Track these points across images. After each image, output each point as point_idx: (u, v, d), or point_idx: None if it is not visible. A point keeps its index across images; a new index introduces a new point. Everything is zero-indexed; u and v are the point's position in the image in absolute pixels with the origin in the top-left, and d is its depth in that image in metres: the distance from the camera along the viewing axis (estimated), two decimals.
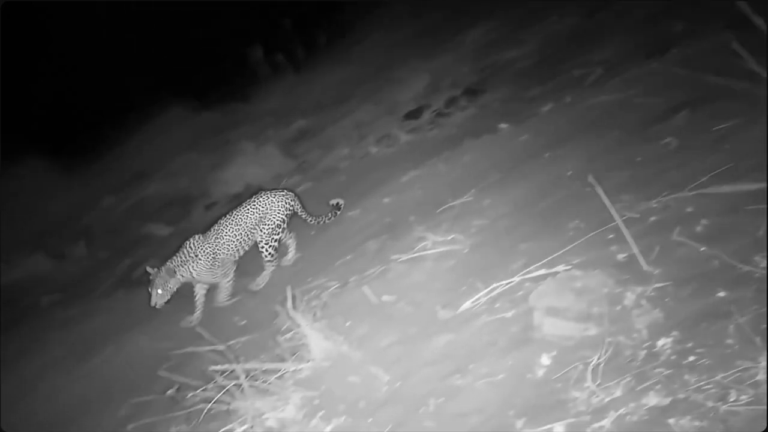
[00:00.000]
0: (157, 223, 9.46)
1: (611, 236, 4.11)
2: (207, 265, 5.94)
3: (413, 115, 9.48)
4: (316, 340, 4.27)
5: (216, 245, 6.00)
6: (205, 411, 4.11)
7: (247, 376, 4.04)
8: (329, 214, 6.66)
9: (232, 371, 4.10)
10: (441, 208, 5.84)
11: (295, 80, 12.99)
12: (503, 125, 7.24)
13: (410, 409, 3.61)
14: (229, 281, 6.15)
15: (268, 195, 6.27)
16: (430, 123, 8.81)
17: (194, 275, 5.92)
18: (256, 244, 6.25)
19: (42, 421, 5.39)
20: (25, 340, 6.76)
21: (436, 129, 8.41)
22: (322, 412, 3.82)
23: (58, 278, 8.81)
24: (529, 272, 4.12)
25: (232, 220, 6.13)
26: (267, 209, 6.19)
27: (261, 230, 6.18)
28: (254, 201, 6.23)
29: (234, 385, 4.03)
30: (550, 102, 7.31)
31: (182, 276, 5.87)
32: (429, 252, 5.15)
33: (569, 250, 4.16)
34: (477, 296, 4.20)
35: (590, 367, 3.20)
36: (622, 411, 2.92)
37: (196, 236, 6.07)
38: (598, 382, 3.11)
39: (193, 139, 12.03)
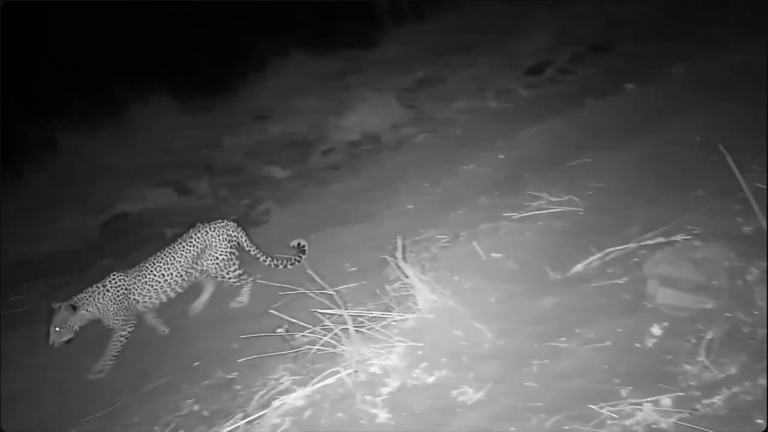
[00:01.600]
0: (274, 166, 9.59)
1: (738, 207, 3.89)
2: (113, 300, 5.37)
3: (535, 70, 9.25)
4: (423, 291, 4.24)
5: (133, 283, 5.47)
6: (312, 352, 4.14)
7: (353, 322, 4.05)
8: (292, 258, 5.95)
9: (339, 316, 4.12)
10: (557, 168, 5.68)
11: (418, 29, 12.83)
12: (629, 85, 6.95)
13: (512, 368, 3.57)
14: (122, 336, 5.44)
15: (206, 229, 5.73)
16: (551, 79, 8.57)
17: (99, 310, 5.38)
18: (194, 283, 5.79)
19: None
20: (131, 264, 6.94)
21: (558, 86, 8.16)
22: (424, 364, 3.81)
23: (181, 212, 9.04)
24: (645, 239, 3.97)
25: (161, 259, 5.60)
26: (206, 244, 5.69)
27: (209, 268, 5.71)
28: (189, 237, 5.70)
29: (341, 329, 4.05)
30: (682, 62, 6.93)
31: (87, 311, 5.34)
32: (542, 212, 5.03)
33: (690, 218, 3.97)
34: (589, 260, 4.09)
35: (704, 342, 3.06)
36: (735, 389, 2.78)
37: (117, 273, 5.51)
38: (711, 358, 2.97)
39: (313, 84, 12.10)
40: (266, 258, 5.90)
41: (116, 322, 5.38)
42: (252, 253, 5.90)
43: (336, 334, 4.06)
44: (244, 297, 5.81)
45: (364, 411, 3.59)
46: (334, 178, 8.39)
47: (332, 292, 4.29)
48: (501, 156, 6.78)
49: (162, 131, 11.70)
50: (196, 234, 5.69)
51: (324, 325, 4.14)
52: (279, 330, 4.57)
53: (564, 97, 7.65)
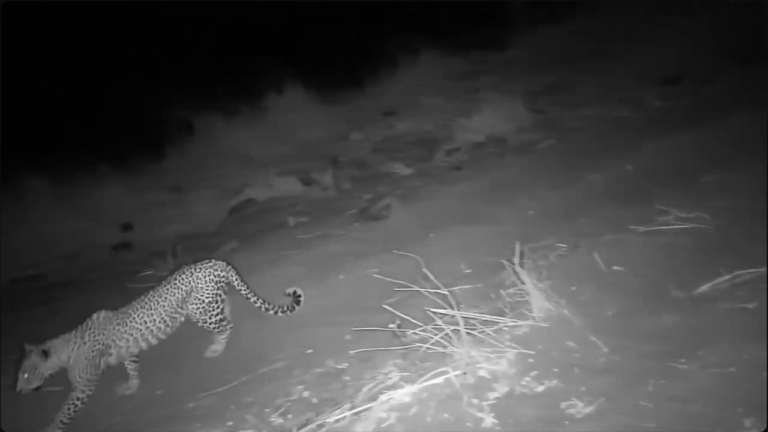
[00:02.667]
0: (398, 162, 9.63)
1: None
2: (86, 355, 4.92)
3: (670, 80, 8.88)
4: (539, 299, 4.16)
5: (112, 335, 5.04)
6: (423, 350, 4.12)
7: (465, 324, 4.00)
8: (285, 306, 5.60)
9: (451, 317, 4.09)
10: (688, 182, 5.44)
11: (551, 32, 12.61)
12: None
13: (626, 385, 3.44)
14: (79, 399, 4.87)
15: (191, 270, 5.34)
16: (687, 91, 8.19)
17: (70, 360, 4.91)
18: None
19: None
20: (270, 254, 7.14)
21: (694, 98, 7.80)
22: (535, 372, 3.73)
23: (305, 202, 9.21)
24: None
25: (144, 305, 5.18)
26: (191, 287, 5.29)
27: (192, 312, 5.31)
28: (174, 279, 5.29)
29: (452, 330, 4.01)
30: None
31: (59, 359, 4.88)
32: (669, 227, 4.83)
33: None
34: (717, 280, 3.88)
35: None
36: None
37: (95, 327, 5.04)
38: None
39: (442, 84, 12.09)
40: (258, 300, 5.54)
41: (80, 379, 4.88)
42: (243, 293, 5.53)
43: (447, 335, 4.02)
44: (218, 345, 5.47)
45: (470, 414, 3.54)
46: (456, 178, 8.34)
47: (446, 292, 4.25)
48: (629, 167, 6.57)
49: (293, 122, 11.96)
50: (181, 276, 5.31)
51: (436, 325, 4.10)
52: (391, 325, 4.57)
53: (700, 110, 7.33)
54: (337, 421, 3.76)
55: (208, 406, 4.58)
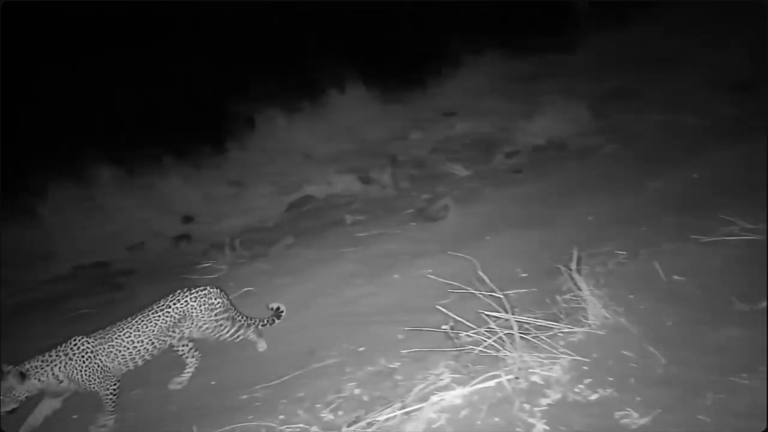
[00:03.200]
0: (457, 163, 9.59)
1: None
2: (80, 367, 4.84)
3: (740, 87, 8.62)
4: (595, 306, 4.10)
5: (100, 347, 4.93)
6: (475, 352, 4.08)
7: (519, 328, 3.96)
8: (265, 320, 5.60)
9: (505, 320, 4.05)
10: (755, 193, 5.29)
11: (617, 36, 12.39)
12: None
13: (684, 397, 3.36)
14: (108, 395, 4.89)
15: (186, 298, 5.22)
16: (757, 98, 7.95)
17: (61, 377, 4.81)
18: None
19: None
20: (327, 251, 7.17)
21: (764, 106, 7.57)
22: (589, 380, 3.66)
23: (362, 200, 9.23)
24: None
25: (132, 325, 5.06)
26: (184, 314, 5.19)
27: (195, 335, 5.26)
28: (167, 305, 5.18)
29: (506, 334, 3.97)
30: None
31: (39, 380, 4.76)
32: (733, 238, 4.69)
33: None
34: None
35: None
36: None
37: (79, 337, 4.96)
38: None
39: (504, 86, 12.00)
40: (243, 317, 5.49)
41: (93, 386, 4.88)
42: (232, 314, 5.45)
43: (500, 338, 3.98)
44: (260, 344, 5.50)
45: (521, 419, 3.50)
46: (515, 181, 8.28)
47: (500, 296, 4.21)
48: (695, 175, 6.43)
49: (354, 120, 12.01)
50: (174, 303, 5.20)
51: (489, 328, 4.07)
52: (444, 327, 4.55)
53: None
54: (387, 419, 3.75)
55: (261, 398, 4.61)
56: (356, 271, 6.40)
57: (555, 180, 7.74)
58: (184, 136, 10.87)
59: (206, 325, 5.24)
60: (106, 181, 10.34)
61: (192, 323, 5.22)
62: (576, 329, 4.09)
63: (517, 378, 3.78)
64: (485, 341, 4.04)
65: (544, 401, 3.61)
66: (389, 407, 3.86)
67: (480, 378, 3.80)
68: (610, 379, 3.64)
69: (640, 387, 3.55)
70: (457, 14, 14.01)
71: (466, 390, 3.77)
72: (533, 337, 4.02)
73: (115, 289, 7.87)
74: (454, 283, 4.84)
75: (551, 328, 4.15)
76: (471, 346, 4.14)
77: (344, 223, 8.18)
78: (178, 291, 5.29)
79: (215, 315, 5.28)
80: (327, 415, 4.14)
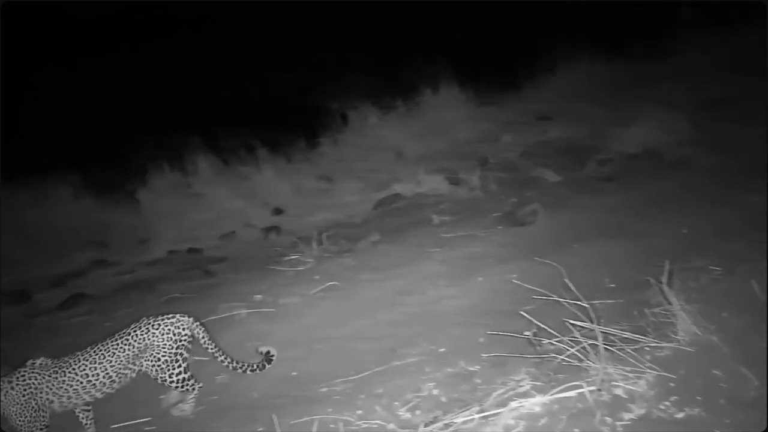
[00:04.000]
0: (547, 169, 9.48)
1: None
2: (16, 401, 4.49)
3: None
4: (685, 322, 3.98)
5: (47, 382, 4.56)
6: (557, 361, 4.03)
7: (604, 339, 3.88)
8: (254, 364, 5.11)
9: (590, 330, 3.97)
10: None
11: (720, 42, 11.98)
12: None
13: None
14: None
15: (148, 326, 4.84)
16: None
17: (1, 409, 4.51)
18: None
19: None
20: (412, 250, 7.18)
21: None
22: (675, 397, 3.55)
23: (450, 200, 9.23)
24: None
25: (89, 356, 4.69)
26: (146, 344, 4.80)
27: (147, 369, 4.82)
28: (128, 334, 4.80)
29: (590, 344, 3.90)
30: None
31: None
32: None
33: None
34: None
35: None
36: None
37: (28, 370, 4.61)
38: None
39: (601, 92, 11.79)
40: (226, 359, 5.07)
41: (20, 425, 4.53)
42: (211, 351, 5.06)
43: (584, 348, 3.90)
44: (187, 405, 4.98)
45: None
46: (606, 189, 8.14)
47: (586, 305, 4.13)
48: None
49: (446, 121, 12.00)
50: (136, 331, 4.82)
51: (573, 337, 4.00)
52: (527, 333, 4.50)
53: None
54: (464, 422, 3.73)
55: (340, 392, 4.65)
56: (440, 272, 6.39)
57: (648, 190, 7.58)
58: (278, 130, 11.07)
59: (165, 358, 4.83)
60: (203, 169, 10.61)
61: (153, 353, 4.83)
62: (664, 344, 3.97)
63: (599, 390, 3.70)
64: (568, 350, 3.97)
65: (627, 416, 3.52)
66: (467, 410, 3.83)
67: (561, 387, 3.73)
68: (698, 398, 3.53)
69: (729, 409, 3.42)
70: (555, 17, 13.86)
71: (546, 398, 3.71)
72: (618, 350, 3.92)
73: (206, 275, 8.09)
74: (539, 290, 4.77)
75: (638, 342, 4.05)
76: (553, 354, 4.09)
77: (431, 222, 8.20)
78: (143, 318, 4.93)
79: (176, 347, 4.87)
80: (404, 414, 4.16)
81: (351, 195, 10.18)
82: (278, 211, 10.08)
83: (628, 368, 3.80)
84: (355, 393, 4.57)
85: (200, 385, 4.97)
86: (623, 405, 3.60)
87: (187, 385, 4.92)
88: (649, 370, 3.75)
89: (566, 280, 4.38)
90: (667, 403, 3.54)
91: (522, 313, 4.48)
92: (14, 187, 10.42)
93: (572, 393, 3.69)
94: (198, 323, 5.00)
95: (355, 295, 6.12)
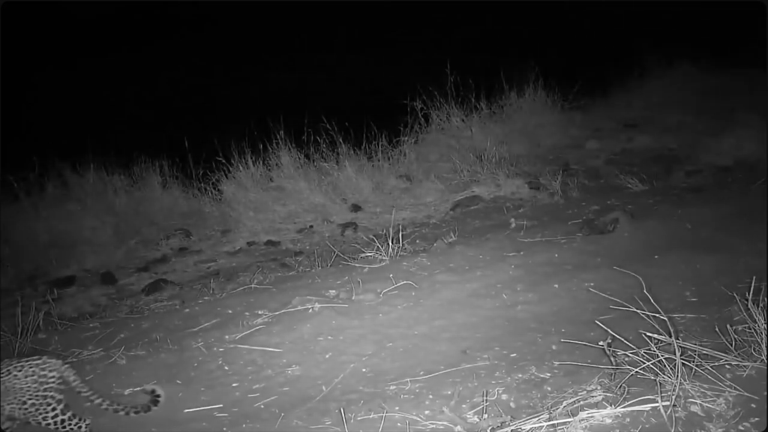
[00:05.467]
0: (632, 177, 9.33)
1: None
2: None
3: None
4: None
5: None
6: (632, 373, 3.96)
7: (682, 354, 3.80)
8: (139, 407, 4.70)
9: (668, 344, 3.90)
10: None
11: None
12: None
13: None
14: None
15: (8, 368, 4.44)
16: None
17: None
18: None
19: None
20: (489, 253, 7.14)
21: None
22: (756, 419, 3.45)
23: (530, 205, 9.20)
24: None
25: None
26: (9, 386, 4.39)
27: (15, 411, 4.40)
28: None
29: (666, 358, 3.82)
30: None
31: None
32: None
33: None
34: None
35: None
36: None
37: None
38: None
39: (695, 100, 11.51)
40: (104, 401, 4.65)
41: None
42: (84, 394, 4.64)
43: (660, 362, 3.83)
44: None
45: None
46: (694, 201, 7.96)
47: (665, 318, 4.04)
48: None
49: (530, 124, 11.94)
50: None
51: (649, 350, 3.93)
52: (601, 343, 4.43)
53: None
54: (532, 429, 3.73)
55: (409, 391, 4.67)
56: (517, 277, 6.37)
57: (738, 203, 7.38)
58: (361, 128, 11.15)
59: (31, 401, 4.44)
60: (286, 163, 10.77)
61: (16, 397, 4.43)
62: (746, 363, 3.87)
63: (674, 405, 3.63)
64: (644, 363, 3.91)
65: None
66: (536, 417, 3.83)
67: (634, 400, 3.69)
68: None
69: None
70: (649, 21, 13.60)
71: (617, 410, 3.67)
72: (697, 365, 3.84)
73: (283, 268, 8.21)
74: (617, 300, 4.70)
75: (718, 359, 3.96)
76: (628, 367, 4.02)
77: (509, 226, 8.16)
78: (5, 360, 4.56)
79: (43, 390, 4.50)
80: (472, 417, 4.16)
81: (429, 195, 10.21)
82: (356, 208, 10.15)
83: (706, 386, 3.73)
84: (424, 393, 4.58)
85: (87, 422, 4.62)
86: (699, 423, 3.52)
87: (69, 424, 4.57)
88: (729, 389, 3.66)
89: (646, 292, 4.32)
90: (747, 424, 3.44)
91: (598, 322, 4.41)
92: (104, 172, 10.82)
93: (645, 407, 3.63)
94: (68, 366, 4.64)
95: (430, 296, 6.12)
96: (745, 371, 3.83)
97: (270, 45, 16.59)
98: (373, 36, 15.78)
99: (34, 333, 6.62)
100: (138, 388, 5.16)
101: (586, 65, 12.22)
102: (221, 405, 4.92)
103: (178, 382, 5.26)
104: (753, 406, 3.54)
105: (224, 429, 4.53)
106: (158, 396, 4.77)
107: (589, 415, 3.68)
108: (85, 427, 4.59)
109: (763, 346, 3.90)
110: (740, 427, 3.43)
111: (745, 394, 3.61)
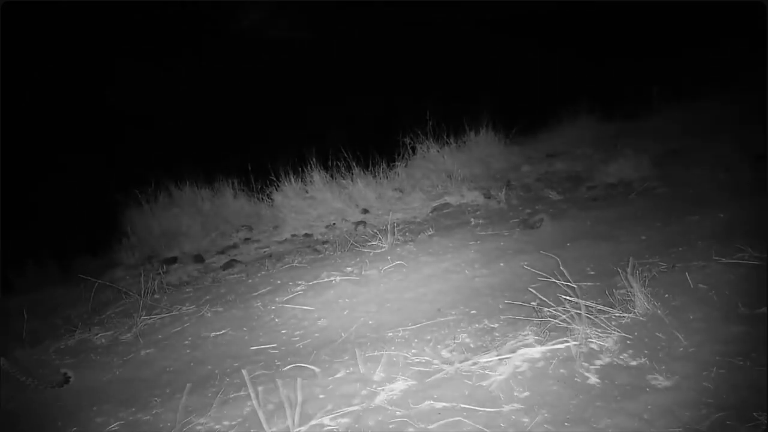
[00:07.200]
0: (552, 190, 9.39)
1: None
2: None
3: (761, 156, 7.97)
4: (641, 300, 4.07)
5: None
6: (552, 323, 4.11)
7: (585, 310, 3.95)
8: (54, 383, 4.18)
9: (576, 303, 4.04)
10: (764, 230, 4.94)
11: (679, 109, 11.79)
12: None
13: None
14: None
15: None
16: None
17: None
18: None
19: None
20: (456, 242, 7.08)
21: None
22: (631, 351, 3.66)
23: (484, 209, 9.13)
24: None
25: None
26: None
27: None
28: None
29: (575, 312, 3.98)
30: None
31: None
32: (744, 262, 4.44)
33: None
34: None
35: None
36: None
37: None
38: None
39: (592, 140, 11.65)
40: (27, 378, 4.06)
41: None
42: (12, 372, 4.02)
43: (571, 316, 4.00)
44: None
45: (579, 372, 3.52)
46: (593, 206, 8.00)
47: (574, 286, 4.21)
48: (720, 215, 6.04)
49: (484, 154, 11.96)
50: None
51: (564, 308, 4.08)
52: (533, 303, 4.57)
53: None
54: (486, 362, 3.83)
55: (401, 337, 4.69)
56: (476, 258, 6.39)
57: (621, 209, 7.46)
58: (369, 155, 11.22)
59: None
60: (317, 180, 10.84)
61: None
62: (625, 315, 4.04)
63: (580, 344, 3.78)
64: (561, 316, 4.07)
65: (598, 362, 3.62)
66: (488, 353, 3.93)
67: (554, 341, 3.85)
68: (646, 351, 3.59)
69: (667, 359, 3.49)
70: (563, 86, 13.68)
71: (543, 348, 3.82)
72: (594, 317, 4.00)
73: (315, 252, 8.19)
74: (543, 274, 4.83)
75: (608, 312, 4.11)
76: (550, 318, 4.16)
77: (470, 224, 8.15)
78: None
79: None
80: (445, 354, 4.21)
81: (415, 202, 10.20)
82: (365, 211, 10.17)
83: (600, 330, 3.88)
84: (412, 338, 4.61)
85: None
86: (595, 355, 3.70)
87: None
88: (614, 332, 3.81)
89: (562, 268, 4.45)
90: (624, 354, 3.60)
91: (530, 289, 4.55)
92: (195, 186, 10.94)
93: (562, 345, 3.80)
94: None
95: (415, 271, 6.14)
96: (624, 320, 4.00)
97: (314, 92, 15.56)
98: (375, 85, 15.51)
99: (152, 294, 6.72)
100: (217, 333, 5.23)
101: (522, 113, 12.25)
102: (274, 344, 4.95)
103: (245, 329, 5.28)
104: (629, 342, 3.71)
105: (276, 361, 4.54)
106: (69, 377, 4.30)
107: (525, 352, 3.82)
108: None
109: (637, 303, 4.04)
110: (620, 357, 3.58)
111: (624, 334, 3.77)
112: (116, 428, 3.81)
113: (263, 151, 11.73)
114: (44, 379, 4.14)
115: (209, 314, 5.74)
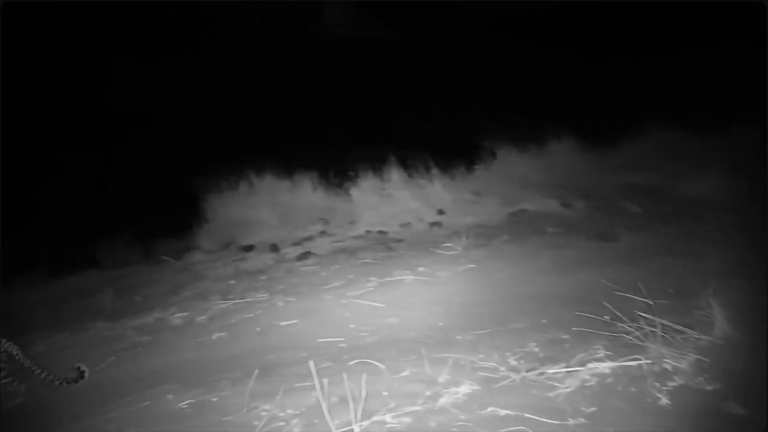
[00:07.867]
0: (631, 202, 9.09)
1: None
2: None
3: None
4: (720, 321, 3.86)
5: None
6: (625, 339, 4.00)
7: (661, 328, 3.83)
8: (69, 378, 4.24)
9: (651, 320, 3.92)
10: None
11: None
12: None
13: None
14: None
15: None
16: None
17: None
18: None
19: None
20: (530, 249, 7.04)
21: None
22: (708, 375, 3.49)
23: (561, 218, 8.95)
24: None
25: None
26: None
27: None
28: None
29: (650, 330, 3.86)
30: None
31: None
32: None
33: None
34: None
35: None
36: None
37: None
38: None
39: (676, 153, 11.01)
40: (43, 372, 4.17)
41: None
42: (27, 366, 4.14)
43: (645, 333, 3.88)
44: None
45: (650, 393, 3.43)
46: (674, 221, 7.69)
47: (651, 303, 4.08)
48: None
49: (564, 163, 11.61)
50: None
51: (638, 325, 3.97)
52: (605, 317, 4.47)
53: None
54: (554, 373, 3.78)
55: (470, 341, 4.67)
56: (549, 267, 6.28)
57: (704, 226, 7.16)
58: (449, 158, 11.19)
59: None
60: (395, 179, 10.91)
61: None
62: (704, 337, 3.89)
63: (652, 363, 3.68)
64: (635, 333, 3.96)
65: (670, 384, 3.51)
66: (557, 366, 3.87)
67: (625, 358, 3.75)
68: (723, 377, 3.44)
69: (744, 387, 3.32)
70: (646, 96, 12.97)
71: (614, 364, 3.73)
72: (670, 336, 3.88)
73: (388, 250, 8.23)
74: (618, 288, 4.70)
75: (685, 332, 3.97)
76: (623, 334, 4.06)
77: (545, 232, 8.00)
78: None
79: None
80: (512, 361, 4.16)
81: (491, 207, 10.04)
82: (441, 212, 10.13)
83: (675, 350, 3.77)
84: (479, 342, 4.57)
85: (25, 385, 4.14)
86: (669, 376, 3.58)
87: (11, 386, 4.12)
88: (690, 354, 3.70)
89: (638, 284, 4.32)
90: (700, 378, 3.49)
91: (605, 303, 4.43)
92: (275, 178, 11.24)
93: (633, 363, 3.70)
94: (10, 343, 4.14)
95: (487, 276, 6.10)
96: (701, 342, 3.85)
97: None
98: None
99: (227, 280, 6.99)
100: (287, 322, 5.33)
101: (603, 122, 11.72)
102: (342, 338, 4.98)
103: (314, 321, 5.36)
104: (705, 366, 3.56)
105: (343, 355, 4.56)
106: (83, 372, 4.37)
107: (594, 366, 3.74)
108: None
109: (716, 325, 3.88)
110: (696, 380, 3.46)
111: (701, 357, 3.62)
112: (185, 406, 3.97)
113: (345, 147, 11.87)
114: (59, 374, 4.28)
115: (281, 303, 5.86)
